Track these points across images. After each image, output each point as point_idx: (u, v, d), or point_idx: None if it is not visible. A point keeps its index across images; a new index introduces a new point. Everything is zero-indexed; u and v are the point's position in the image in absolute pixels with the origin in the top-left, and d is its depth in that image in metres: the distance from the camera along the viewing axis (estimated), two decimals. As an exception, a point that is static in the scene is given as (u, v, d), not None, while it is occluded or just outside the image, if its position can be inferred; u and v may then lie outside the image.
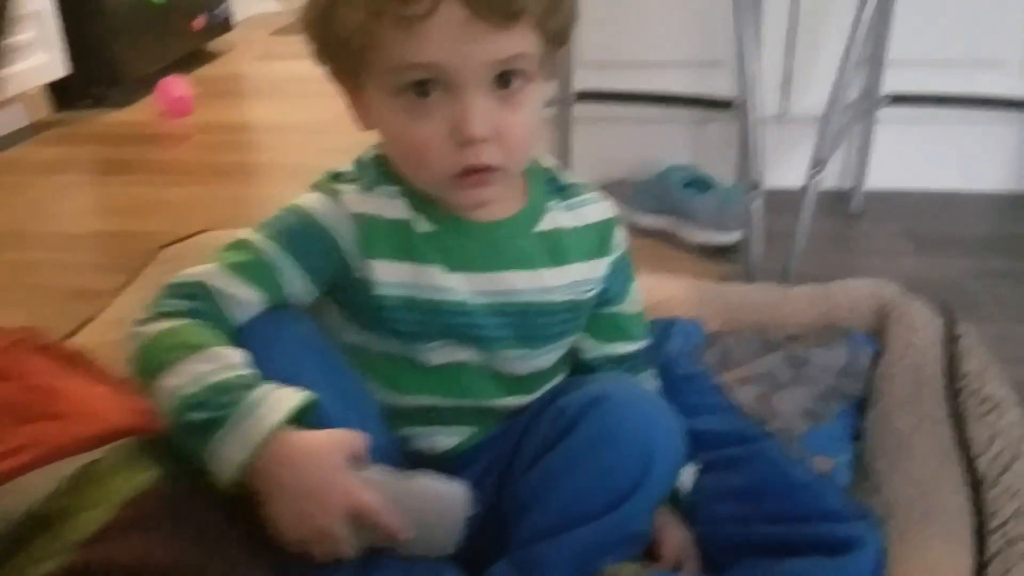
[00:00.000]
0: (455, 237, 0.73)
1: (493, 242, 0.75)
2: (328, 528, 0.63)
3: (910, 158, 1.83)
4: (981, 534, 0.74)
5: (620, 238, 0.82)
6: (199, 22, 3.03)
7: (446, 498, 0.67)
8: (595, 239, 0.79)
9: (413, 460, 0.76)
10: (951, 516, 0.76)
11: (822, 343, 0.99)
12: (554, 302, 0.76)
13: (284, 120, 2.54)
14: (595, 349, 0.84)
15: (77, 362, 0.84)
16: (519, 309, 0.75)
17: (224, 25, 3.22)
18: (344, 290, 0.74)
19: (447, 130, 0.66)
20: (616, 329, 0.84)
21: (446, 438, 0.77)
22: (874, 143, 1.78)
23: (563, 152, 1.88)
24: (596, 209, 0.81)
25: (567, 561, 0.68)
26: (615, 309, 0.83)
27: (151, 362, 0.68)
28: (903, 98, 1.73)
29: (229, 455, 0.63)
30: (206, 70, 3.01)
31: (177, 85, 2.52)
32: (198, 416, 0.64)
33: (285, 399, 0.65)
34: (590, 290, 0.80)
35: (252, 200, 2.01)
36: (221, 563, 0.62)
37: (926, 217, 1.76)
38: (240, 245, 0.74)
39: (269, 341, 0.69)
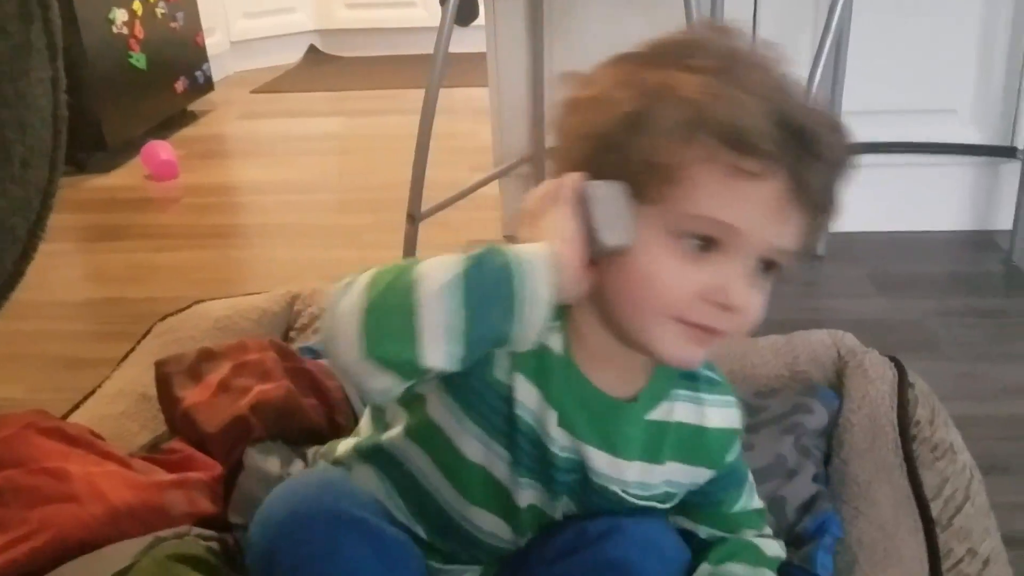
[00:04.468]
0: (577, 398, 0.71)
1: (606, 421, 0.72)
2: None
3: (871, 201, 1.91)
4: (937, 573, 0.80)
5: (736, 451, 0.78)
6: (180, 84, 3.10)
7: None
8: (705, 446, 0.76)
9: None
10: (909, 557, 0.82)
11: (804, 407, 1.03)
12: (621, 494, 0.74)
13: (270, 179, 2.59)
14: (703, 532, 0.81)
15: (83, 442, 0.88)
16: (585, 484, 0.73)
17: (205, 86, 3.29)
18: (476, 388, 0.70)
19: (706, 286, 0.64)
20: (722, 521, 0.81)
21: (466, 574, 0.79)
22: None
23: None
24: (722, 415, 0.77)
25: None
26: (722, 510, 0.81)
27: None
28: (858, 147, 1.81)
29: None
30: (189, 131, 3.07)
31: (162, 148, 2.58)
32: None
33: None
34: (673, 494, 0.77)
35: (244, 262, 2.06)
36: None
37: (887, 258, 1.84)
38: None
39: (307, 513, 0.68)
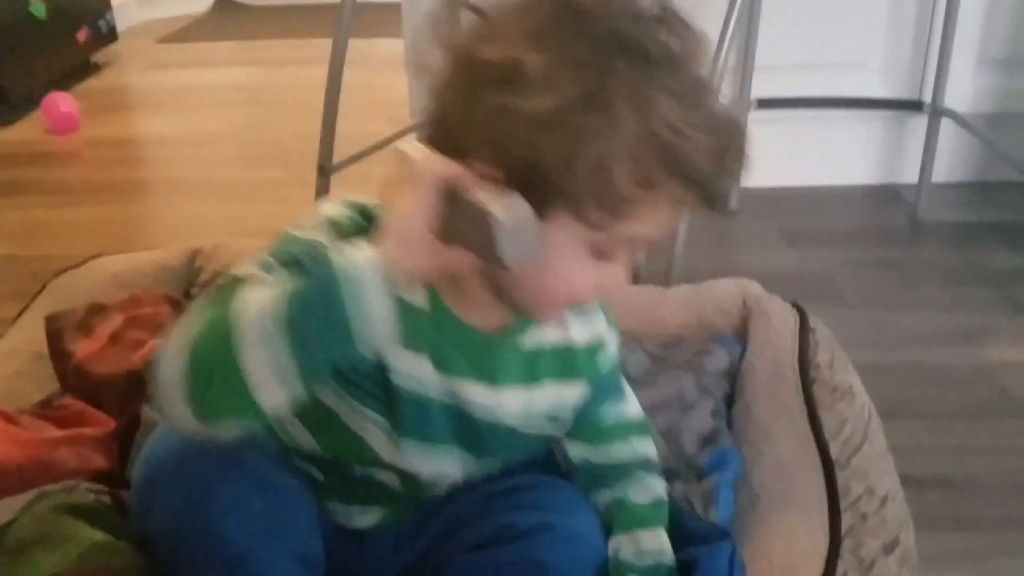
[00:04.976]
0: (451, 339, 0.70)
1: (483, 356, 0.71)
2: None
3: (781, 157, 1.94)
4: (835, 512, 0.81)
5: (609, 362, 0.79)
6: (83, 34, 2.97)
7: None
8: (576, 360, 0.76)
9: (335, 532, 0.75)
10: (809, 498, 0.83)
11: (706, 351, 1.04)
12: (513, 427, 0.74)
13: (176, 132, 2.51)
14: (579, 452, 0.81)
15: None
16: (469, 427, 0.73)
17: (108, 36, 3.16)
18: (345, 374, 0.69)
19: (602, 279, 0.66)
20: (596, 435, 0.81)
21: (362, 517, 0.77)
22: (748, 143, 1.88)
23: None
24: (587, 327, 0.77)
25: None
26: (596, 423, 0.81)
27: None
28: (770, 102, 1.83)
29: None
30: (92, 83, 2.95)
31: (62, 100, 2.48)
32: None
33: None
34: (561, 419, 0.77)
35: (147, 218, 1.99)
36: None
37: (797, 212, 1.87)
38: None
39: (191, 451, 0.66)
